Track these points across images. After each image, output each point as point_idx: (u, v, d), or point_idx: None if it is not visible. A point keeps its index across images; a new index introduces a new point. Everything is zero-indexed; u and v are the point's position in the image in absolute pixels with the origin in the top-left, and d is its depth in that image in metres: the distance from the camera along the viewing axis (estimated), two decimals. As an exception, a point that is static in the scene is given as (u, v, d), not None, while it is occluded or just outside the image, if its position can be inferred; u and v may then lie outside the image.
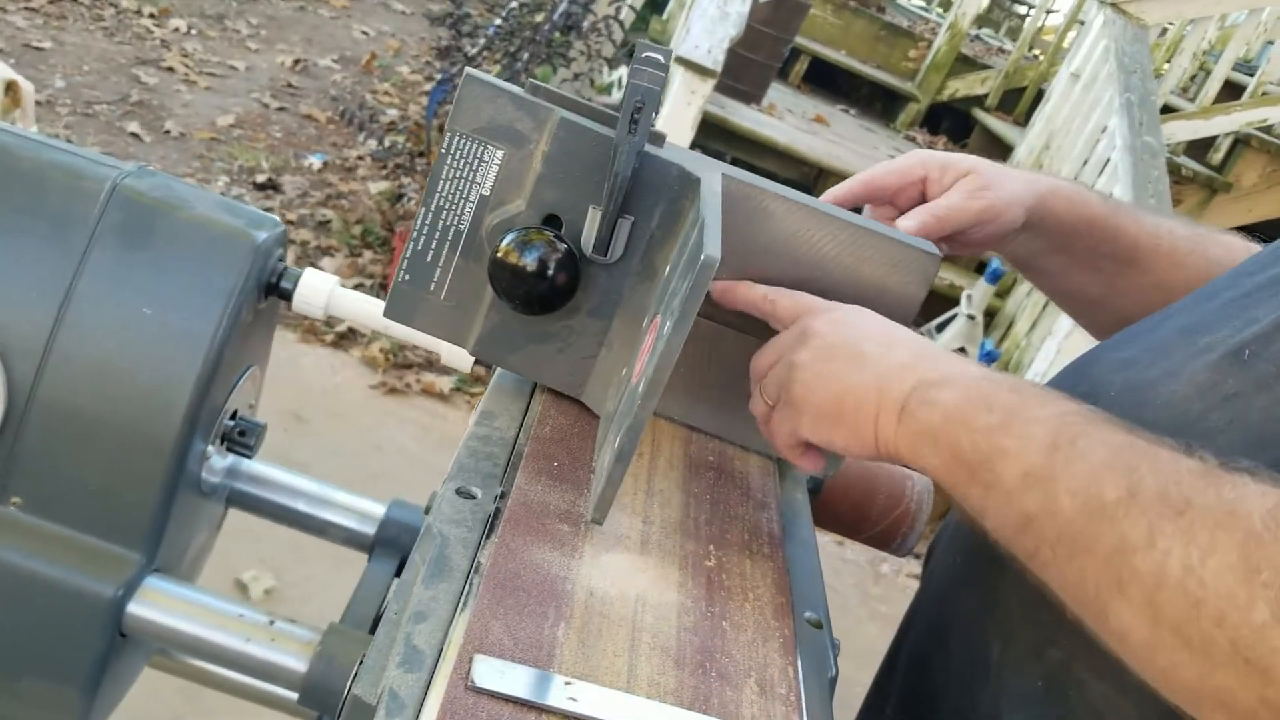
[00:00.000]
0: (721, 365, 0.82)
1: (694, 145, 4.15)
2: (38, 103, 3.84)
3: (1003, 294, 4.10)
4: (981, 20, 9.59)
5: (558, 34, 3.73)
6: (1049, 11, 5.43)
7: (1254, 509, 0.48)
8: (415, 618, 0.57)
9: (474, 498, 0.68)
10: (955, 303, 3.95)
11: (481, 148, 0.75)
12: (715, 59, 3.10)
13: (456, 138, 0.75)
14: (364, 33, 5.66)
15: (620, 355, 0.79)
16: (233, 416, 0.98)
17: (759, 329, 0.80)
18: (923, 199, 0.85)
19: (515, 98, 0.75)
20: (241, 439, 0.98)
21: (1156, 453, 0.53)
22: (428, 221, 0.78)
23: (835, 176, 4.22)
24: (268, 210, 3.87)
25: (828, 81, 5.49)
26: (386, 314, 0.81)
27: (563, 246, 0.74)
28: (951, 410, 0.61)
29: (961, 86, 5.64)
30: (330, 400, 3.11)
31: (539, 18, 3.91)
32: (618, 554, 0.67)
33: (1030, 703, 0.66)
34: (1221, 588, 0.46)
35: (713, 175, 0.75)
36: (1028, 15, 7.87)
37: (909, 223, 0.81)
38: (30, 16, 4.52)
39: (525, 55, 3.57)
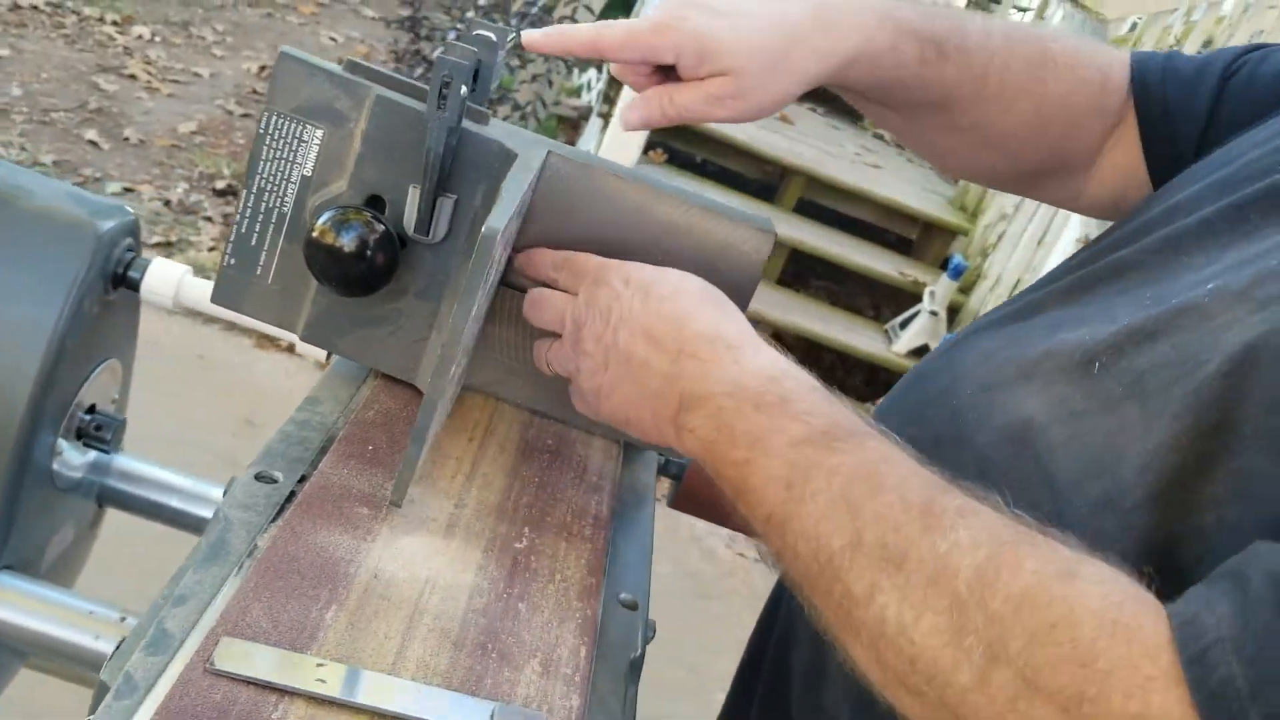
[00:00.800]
0: (561, 348, 0.81)
1: (655, 144, 4.14)
2: (-7, 110, 3.83)
3: (966, 289, 4.09)
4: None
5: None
6: (1017, 9, 5.42)
7: (963, 565, 0.48)
8: (175, 601, 0.55)
9: (275, 481, 0.66)
10: (918, 299, 3.94)
11: (300, 127, 0.74)
12: (666, 57, 3.09)
13: (274, 117, 0.74)
14: (332, 39, 5.64)
15: (450, 338, 0.77)
16: (90, 411, 0.97)
17: None
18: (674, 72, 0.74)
19: (332, 75, 0.73)
20: (98, 433, 0.96)
21: (879, 485, 0.53)
22: (250, 204, 0.76)
23: (798, 174, 4.21)
24: (227, 216, 3.85)
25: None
26: (214, 299, 0.79)
27: (380, 226, 0.73)
28: (706, 443, 0.61)
29: (931, 85, 5.63)
30: (283, 405, 3.08)
31: (498, 20, 3.90)
32: (418, 537, 0.65)
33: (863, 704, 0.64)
34: (930, 648, 0.47)
35: (533, 152, 0.74)
36: (1005, 10, 7.87)
37: (631, 115, 0.75)
38: (-11, 25, 4.50)
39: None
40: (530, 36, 0.77)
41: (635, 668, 0.64)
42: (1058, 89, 0.80)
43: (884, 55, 0.75)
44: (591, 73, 5.06)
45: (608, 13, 4.79)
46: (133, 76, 4.57)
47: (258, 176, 0.75)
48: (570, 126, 4.86)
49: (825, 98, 5.55)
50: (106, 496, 1.07)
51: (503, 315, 0.80)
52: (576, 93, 5.24)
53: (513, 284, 0.80)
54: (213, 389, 3.01)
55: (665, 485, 0.97)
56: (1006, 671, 0.45)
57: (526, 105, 3.86)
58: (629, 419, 0.68)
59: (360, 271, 0.73)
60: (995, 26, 0.82)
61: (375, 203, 0.75)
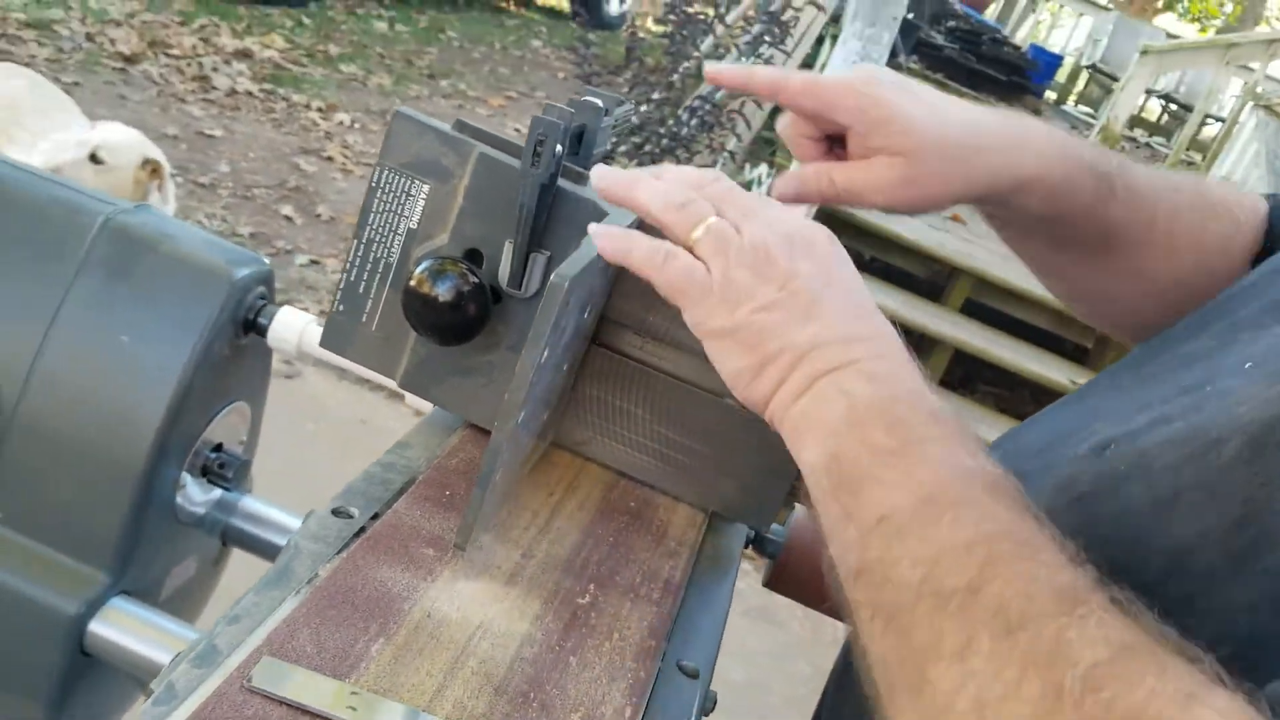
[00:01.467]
0: (653, 410, 0.81)
1: (819, 239, 4.13)
2: (201, 185, 4.14)
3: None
4: (1151, 128, 9.35)
5: (684, 128, 3.80)
6: (1209, 118, 5.23)
7: (1082, 659, 0.41)
8: (229, 619, 0.57)
9: (350, 517, 0.68)
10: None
11: (409, 182, 0.77)
12: (830, 151, 3.09)
13: (385, 172, 0.77)
14: (516, 129, 5.90)
15: (539, 392, 0.78)
16: (217, 449, 1.01)
17: (695, 374, 0.79)
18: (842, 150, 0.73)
19: (440, 134, 0.76)
20: (221, 470, 1.01)
21: (1030, 551, 0.46)
22: (360, 254, 0.79)
23: (967, 274, 4.12)
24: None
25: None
26: (322, 344, 0.83)
27: (474, 279, 0.75)
28: (860, 408, 0.54)
29: (1115, 189, 5.47)
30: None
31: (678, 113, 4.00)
32: (478, 582, 0.65)
33: None
34: None
35: (626, 211, 0.75)
36: (1204, 123, 7.62)
37: (786, 185, 0.73)
38: (206, 107, 4.88)
39: (649, 146, 3.65)
40: (714, 67, 0.75)
41: (687, 736, 0.62)
42: (1218, 233, 0.76)
43: (1059, 185, 0.71)
44: (762, 168, 5.11)
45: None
46: (330, 159, 4.87)
47: (368, 228, 0.79)
48: (739, 219, 4.91)
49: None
50: (231, 535, 1.11)
51: (592, 374, 0.80)
52: (748, 186, 5.30)
53: (606, 344, 0.80)
54: (372, 452, 3.13)
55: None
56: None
57: (692, 195, 3.94)
58: (759, 344, 0.58)
59: (452, 321, 0.75)
60: (1155, 171, 0.78)
61: (473, 256, 0.77)
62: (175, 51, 5.37)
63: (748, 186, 5.30)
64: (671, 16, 3.92)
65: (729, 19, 4.55)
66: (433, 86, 6.09)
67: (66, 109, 2.80)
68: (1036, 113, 4.53)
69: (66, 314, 0.92)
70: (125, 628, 0.93)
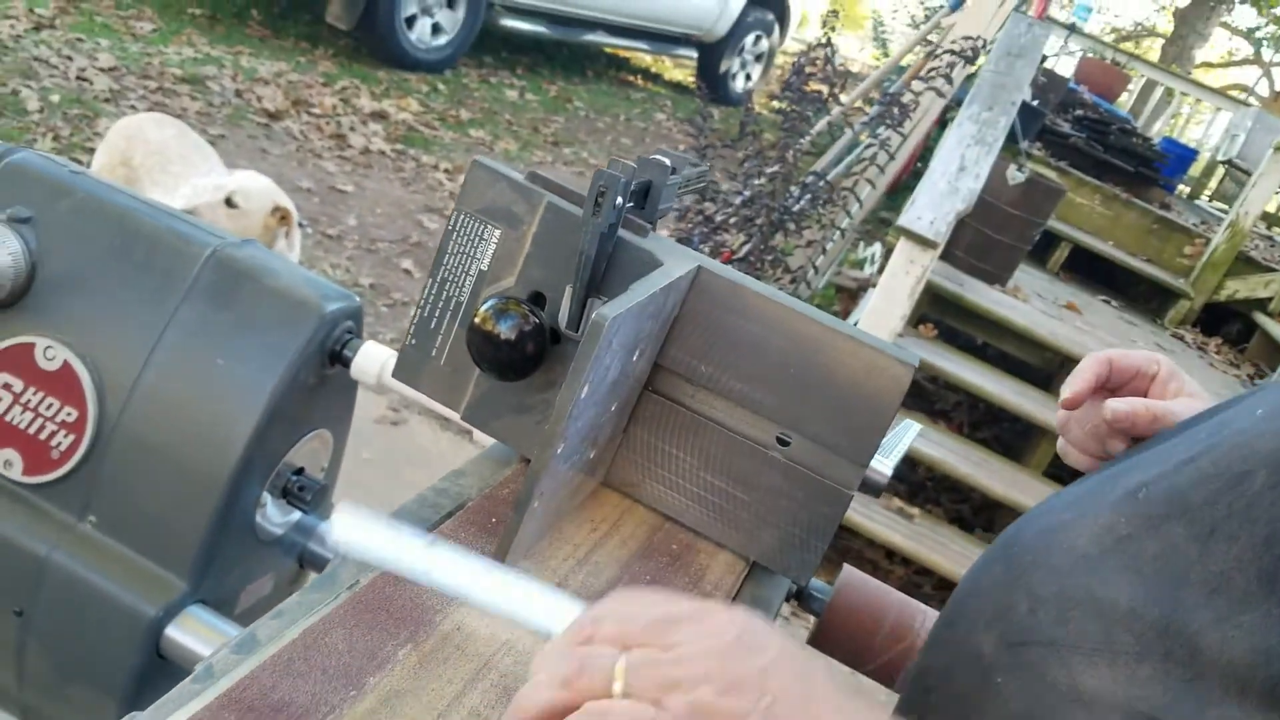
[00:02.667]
0: (700, 457, 0.83)
1: (924, 319, 4.11)
2: (329, 236, 4.32)
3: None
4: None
5: (797, 203, 3.85)
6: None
7: None
8: (273, 615, 0.61)
9: (398, 535, 0.72)
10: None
11: (483, 226, 0.82)
12: (937, 231, 3.10)
13: (462, 216, 0.83)
14: (634, 197, 6.04)
15: (591, 432, 0.82)
16: (298, 473, 1.07)
17: (743, 424, 0.82)
18: (1145, 395, 0.78)
19: (513, 182, 0.82)
20: (300, 494, 1.06)
21: None
22: (434, 291, 0.85)
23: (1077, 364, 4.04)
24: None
25: (1091, 271, 5.31)
26: (394, 375, 0.88)
27: (534, 319, 0.79)
28: None
29: (1242, 288, 5.30)
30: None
31: (790, 188, 4.05)
32: (511, 603, 0.68)
33: None
34: None
35: (680, 264, 0.78)
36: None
37: (1120, 405, 0.75)
38: (340, 164, 5.12)
39: (760, 221, 3.70)
40: (1116, 407, 0.75)
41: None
42: None
43: None
44: (876, 247, 5.12)
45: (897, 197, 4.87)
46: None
47: (443, 268, 0.84)
48: (849, 297, 4.92)
49: (1125, 292, 5.34)
50: (308, 559, 1.17)
51: (645, 418, 0.84)
52: (860, 265, 5.31)
53: (659, 391, 0.84)
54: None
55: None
56: None
57: (798, 269, 3.95)
58: None
59: (511, 358, 0.79)
60: None
61: (537, 299, 0.82)
62: (316, 110, 5.64)
63: (860, 265, 5.31)
64: (788, 93, 3.99)
65: (845, 99, 4.60)
66: (556, 153, 6.27)
67: (208, 157, 2.98)
68: (1164, 206, 4.44)
69: (170, 336, 0.99)
70: (199, 634, 0.99)
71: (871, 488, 0.85)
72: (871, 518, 3.51)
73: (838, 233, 4.04)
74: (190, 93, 5.39)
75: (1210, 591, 0.51)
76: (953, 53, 3.86)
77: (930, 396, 5.00)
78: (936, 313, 4.18)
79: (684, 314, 0.82)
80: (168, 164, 2.86)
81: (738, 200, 4.06)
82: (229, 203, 2.65)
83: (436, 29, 6.60)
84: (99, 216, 1.03)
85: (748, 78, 8.81)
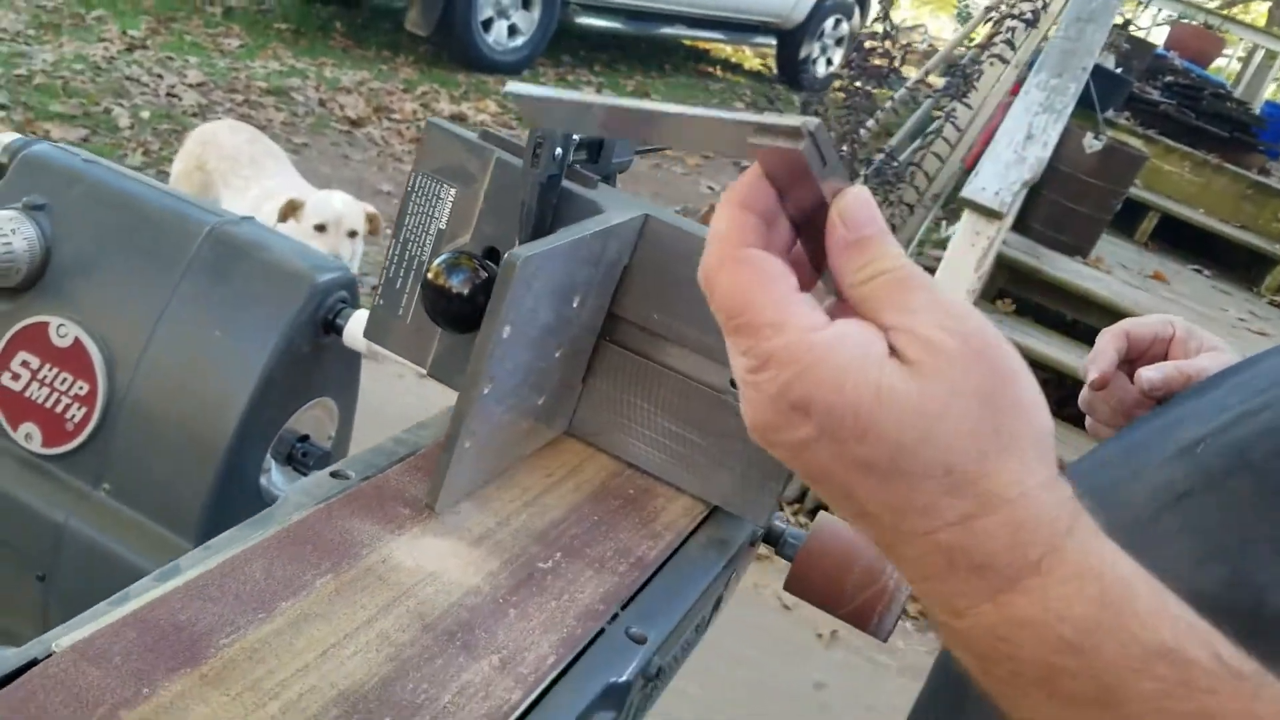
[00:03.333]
0: (656, 404, 0.85)
1: (1002, 294, 4.03)
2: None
3: None
4: None
5: (867, 183, 3.81)
6: None
7: None
8: (202, 549, 0.65)
9: (346, 479, 0.75)
10: None
11: (439, 186, 0.85)
12: (1002, 201, 3.03)
13: (419, 177, 0.85)
14: (710, 187, 6.02)
15: (545, 381, 0.84)
16: (303, 439, 1.11)
17: (695, 369, 0.83)
18: (1165, 358, 0.76)
19: (466, 141, 0.84)
20: (303, 459, 1.10)
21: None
22: (397, 252, 0.87)
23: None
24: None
25: (1181, 240, 5.13)
26: (365, 335, 0.91)
27: (484, 273, 0.81)
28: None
29: (1347, 252, 5.07)
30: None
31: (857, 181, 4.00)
32: (444, 540, 0.71)
33: None
34: None
35: (623, 213, 0.80)
36: None
37: (1153, 374, 0.71)
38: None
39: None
40: (1150, 376, 0.72)
41: (615, 693, 0.65)
42: None
43: None
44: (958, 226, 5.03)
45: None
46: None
47: (404, 229, 0.87)
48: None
49: (1221, 259, 5.16)
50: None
51: (603, 369, 0.85)
52: (943, 244, 5.22)
53: (614, 340, 0.85)
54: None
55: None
56: None
57: (869, 248, 3.92)
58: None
59: (462, 310, 0.81)
60: None
61: (491, 254, 0.84)
62: (397, 115, 5.77)
63: (943, 244, 5.22)
64: (849, 70, 3.95)
65: (915, 75, 4.54)
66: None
67: (279, 161, 3.08)
68: (1263, 170, 4.26)
69: (172, 311, 1.04)
70: (208, 594, 1.03)
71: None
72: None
73: (907, 210, 3.98)
74: (275, 104, 5.56)
75: (1276, 549, 0.49)
76: (1013, 17, 3.78)
77: (1016, 375, 4.89)
78: (1015, 287, 4.09)
79: (635, 264, 0.83)
80: (239, 168, 2.97)
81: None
82: (319, 229, 2.75)
83: (513, 30, 6.68)
84: (108, 201, 1.08)
85: (829, 63, 8.72)
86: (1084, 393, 0.78)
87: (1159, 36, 7.72)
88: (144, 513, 1.05)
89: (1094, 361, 0.75)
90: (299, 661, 0.57)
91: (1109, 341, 0.76)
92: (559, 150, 0.78)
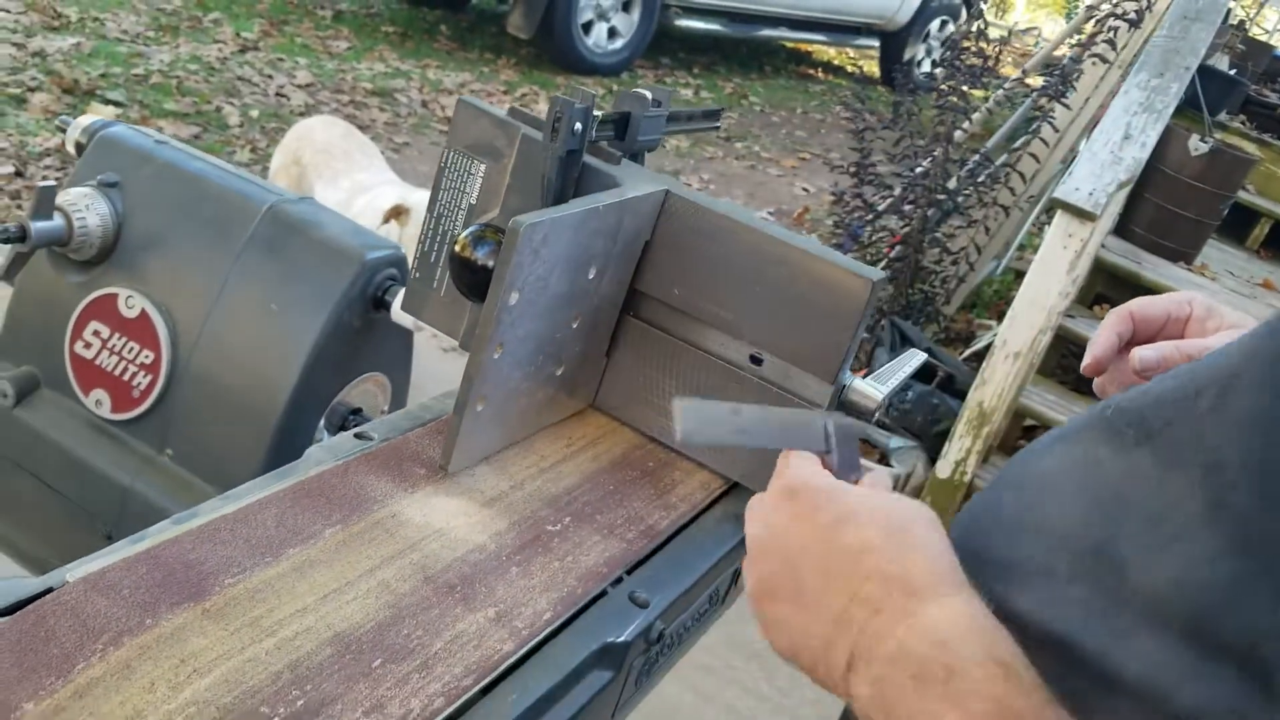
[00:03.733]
0: (676, 378, 0.86)
1: (1097, 299, 3.92)
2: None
3: None
4: None
5: (960, 184, 3.75)
6: None
7: None
8: (221, 498, 0.68)
9: (369, 439, 0.78)
10: None
11: (469, 162, 0.87)
12: (1096, 203, 2.96)
13: (450, 153, 0.88)
14: (804, 189, 5.98)
15: (569, 353, 0.85)
16: (355, 412, 1.15)
17: (715, 345, 0.84)
18: (1181, 338, 0.76)
19: (494, 118, 0.86)
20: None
21: None
22: (431, 227, 0.90)
23: (1270, 344, 3.76)
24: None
25: (1299, 249, 4.93)
26: (403, 308, 0.94)
27: (510, 245, 0.83)
28: (871, 711, 0.52)
29: None
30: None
31: (950, 182, 3.94)
32: (456, 500, 0.73)
33: None
34: None
35: (641, 188, 0.81)
36: None
37: (1148, 353, 0.72)
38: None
39: (915, 199, 3.62)
40: (1144, 355, 0.73)
41: (612, 652, 0.67)
42: None
43: None
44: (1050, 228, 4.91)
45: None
46: (620, 213, 5.13)
47: (438, 204, 0.89)
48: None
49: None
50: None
51: (626, 343, 0.87)
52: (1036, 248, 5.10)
53: (640, 317, 0.87)
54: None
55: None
56: None
57: (959, 251, 3.84)
58: (797, 653, 0.56)
59: (488, 281, 0.83)
60: None
61: (519, 228, 0.86)
62: (495, 116, 5.86)
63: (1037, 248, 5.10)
64: (942, 68, 3.89)
65: (1014, 75, 4.45)
66: (728, 148, 6.30)
67: (370, 155, 3.16)
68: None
69: (231, 285, 1.09)
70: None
71: (860, 412, 0.85)
72: (1036, 505, 3.38)
73: (1002, 212, 3.91)
74: (380, 105, 5.70)
75: (1154, 521, 0.49)
76: (1115, 16, 3.68)
77: (1115, 384, 4.76)
78: (1115, 293, 3.98)
79: (656, 240, 0.84)
80: (331, 160, 3.06)
81: (898, 188, 3.99)
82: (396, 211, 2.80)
83: (613, 33, 6.74)
84: (175, 179, 1.14)
85: (934, 64, 8.59)
86: (1096, 380, 0.76)
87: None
88: (203, 477, 1.10)
89: (1091, 345, 0.73)
90: (299, 603, 0.60)
91: (1110, 323, 0.73)
92: (578, 125, 0.79)
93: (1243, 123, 5.43)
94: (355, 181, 2.98)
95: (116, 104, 4.64)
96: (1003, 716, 0.46)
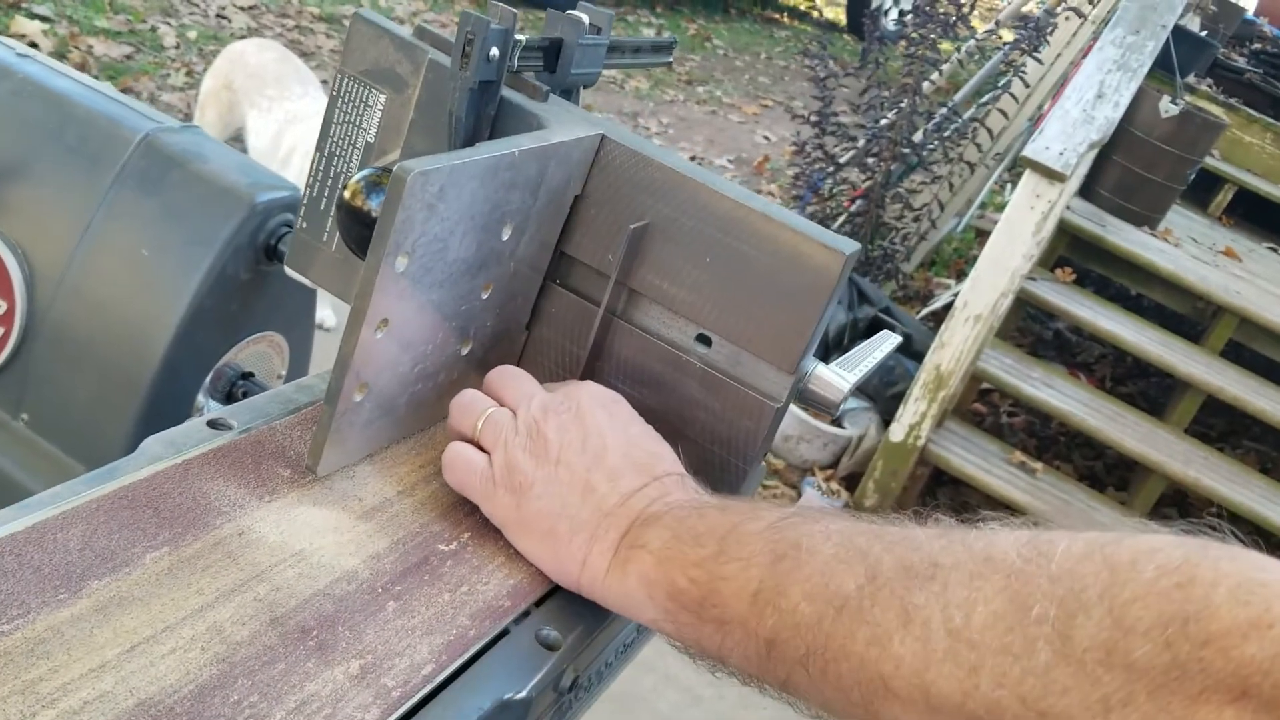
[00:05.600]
0: (611, 360, 0.72)
1: (1063, 262, 3.83)
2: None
3: None
4: None
5: (919, 134, 3.62)
6: None
7: (1008, 547, 0.44)
8: (19, 505, 0.53)
9: (227, 429, 0.63)
10: None
11: (367, 91, 0.72)
12: (1067, 163, 2.85)
13: (345, 80, 0.73)
14: (765, 138, 5.83)
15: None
16: (245, 376, 1.00)
17: (657, 324, 0.70)
18: None
19: (396, 39, 0.71)
20: (244, 399, 0.99)
21: (885, 530, 0.50)
22: (320, 167, 0.75)
23: (1231, 314, 3.70)
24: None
25: (1260, 217, 4.86)
26: (287, 265, 0.79)
27: (411, 194, 0.69)
28: (661, 555, 0.56)
29: None
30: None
31: (915, 135, 3.81)
32: (325, 511, 0.59)
33: None
34: (993, 641, 0.42)
35: (570, 131, 0.67)
36: None
37: None
38: (465, 100, 5.10)
39: (879, 152, 3.49)
40: None
41: (511, 711, 0.54)
42: None
43: None
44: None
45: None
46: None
47: (329, 140, 0.74)
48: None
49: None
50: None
51: (548, 316, 0.73)
52: (1004, 208, 5.00)
53: (567, 285, 0.73)
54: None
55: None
56: (1090, 622, 0.39)
57: (922, 207, 3.72)
58: (550, 530, 0.59)
59: (383, 238, 0.69)
60: None
61: (425, 174, 0.71)
62: (448, 47, 5.64)
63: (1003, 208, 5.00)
64: (913, 18, 3.74)
65: (981, 30, 4.31)
66: (689, 92, 6.12)
67: (305, 81, 2.97)
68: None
69: (98, 225, 0.93)
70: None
71: (823, 403, 0.72)
72: (990, 471, 3.31)
73: (967, 168, 3.79)
74: (326, 31, 5.46)
75: None
76: (1093, -31, 3.56)
77: (1072, 348, 4.71)
78: (1078, 257, 3.89)
79: (588, 194, 0.70)
80: (264, 87, 2.86)
81: (861, 140, 3.85)
82: None
83: (573, -35, 6.51)
84: (37, 99, 0.97)
85: (901, 13, 8.43)
86: None
87: (1250, 1, 7.33)
88: (64, 449, 0.95)
89: None
90: (95, 659, 0.46)
91: None
92: (494, 51, 0.64)
93: (1210, 86, 5.34)
94: (288, 112, 2.79)
95: (43, 19, 4.37)
96: (810, 511, 0.55)
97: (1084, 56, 4.42)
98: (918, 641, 0.44)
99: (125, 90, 3.98)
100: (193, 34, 4.76)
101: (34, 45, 4.01)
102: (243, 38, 4.87)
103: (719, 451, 0.71)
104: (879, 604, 0.46)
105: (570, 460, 0.60)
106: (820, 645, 0.48)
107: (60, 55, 4.05)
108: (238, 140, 2.96)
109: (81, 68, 4.05)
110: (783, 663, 0.50)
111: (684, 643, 0.56)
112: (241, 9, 5.27)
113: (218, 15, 5.09)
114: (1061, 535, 0.43)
